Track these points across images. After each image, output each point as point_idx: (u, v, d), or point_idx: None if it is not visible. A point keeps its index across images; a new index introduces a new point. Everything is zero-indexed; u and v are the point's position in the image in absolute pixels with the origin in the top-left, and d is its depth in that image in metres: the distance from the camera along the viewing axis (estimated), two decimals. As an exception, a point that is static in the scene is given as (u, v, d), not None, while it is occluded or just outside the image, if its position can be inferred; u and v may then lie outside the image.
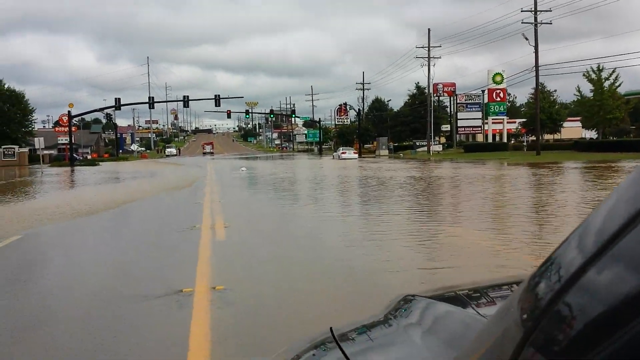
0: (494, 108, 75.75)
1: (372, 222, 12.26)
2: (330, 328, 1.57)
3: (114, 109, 68.14)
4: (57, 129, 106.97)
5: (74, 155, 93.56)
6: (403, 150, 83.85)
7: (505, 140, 75.79)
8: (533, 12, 49.41)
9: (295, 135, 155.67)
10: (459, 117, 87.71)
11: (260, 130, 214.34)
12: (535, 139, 57.87)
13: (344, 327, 1.61)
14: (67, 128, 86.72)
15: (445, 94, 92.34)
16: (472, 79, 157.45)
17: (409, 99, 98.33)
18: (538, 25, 49.35)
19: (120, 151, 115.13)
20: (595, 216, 0.78)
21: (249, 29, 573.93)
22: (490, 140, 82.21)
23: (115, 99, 65.25)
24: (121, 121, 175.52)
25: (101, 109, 71.78)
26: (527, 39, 49.61)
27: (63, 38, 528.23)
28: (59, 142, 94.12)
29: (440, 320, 1.49)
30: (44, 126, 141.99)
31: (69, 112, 67.15)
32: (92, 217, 14.12)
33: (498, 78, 73.65)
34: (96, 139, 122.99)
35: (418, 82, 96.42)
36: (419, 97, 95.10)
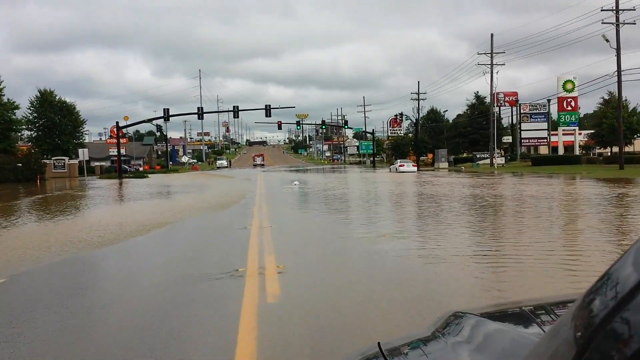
0: (564, 118, 70.43)
1: (493, 265, 8.56)
2: (378, 343, 1.56)
3: (163, 119, 66.17)
4: (108, 140, 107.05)
5: (125, 167, 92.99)
6: (462, 163, 79.26)
7: (576, 152, 70.29)
8: (614, 12, 44.61)
9: (346, 147, 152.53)
10: (522, 128, 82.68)
11: (311, 142, 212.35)
12: (617, 151, 52.46)
13: (392, 342, 1.60)
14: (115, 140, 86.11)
15: (507, 104, 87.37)
16: (525, 90, 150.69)
17: (467, 109, 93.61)
18: (620, 25, 44.50)
19: (171, 163, 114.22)
20: None
21: (301, 42, 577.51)
22: (558, 152, 76.80)
23: (164, 109, 63.39)
24: (174, 134, 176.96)
25: (150, 120, 69.97)
26: (607, 40, 44.85)
27: (121, 53, 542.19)
28: (111, 153, 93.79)
29: (489, 338, 1.45)
30: (100, 139, 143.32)
31: (116, 123, 65.54)
32: (97, 253, 10.89)
33: (569, 86, 68.44)
34: (148, 151, 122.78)
35: (477, 92, 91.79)
36: (478, 107, 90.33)
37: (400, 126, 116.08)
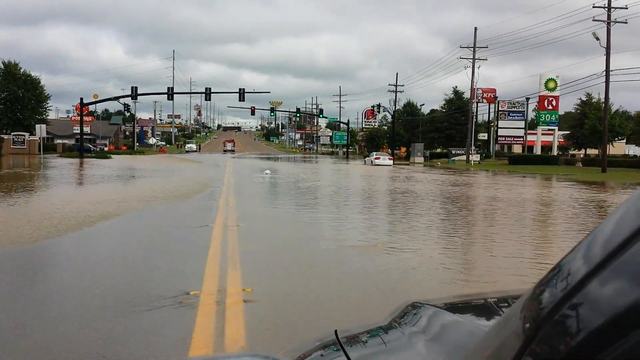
0: (544, 117, 69.12)
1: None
2: (335, 331, 1.57)
3: (131, 98, 62.96)
4: (73, 118, 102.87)
5: (89, 146, 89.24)
6: (437, 159, 77.74)
7: (554, 152, 69.24)
8: (606, 9, 43.13)
9: (319, 137, 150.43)
10: (499, 126, 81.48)
11: (284, 130, 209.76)
12: (593, 153, 51.25)
13: (349, 330, 1.61)
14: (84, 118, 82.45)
15: (485, 100, 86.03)
16: (500, 89, 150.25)
17: (444, 104, 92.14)
18: (612, 24, 43.04)
19: (138, 144, 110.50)
20: (603, 227, 0.77)
21: (278, 30, 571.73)
22: (532, 151, 75.78)
23: (132, 87, 60.18)
24: (144, 115, 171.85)
25: (117, 98, 66.57)
26: (597, 38, 43.44)
27: (95, 30, 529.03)
28: (75, 131, 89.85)
29: (445, 329, 1.47)
30: (67, 116, 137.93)
31: (80, 99, 62.05)
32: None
33: (551, 84, 67.14)
34: (115, 131, 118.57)
35: (456, 86, 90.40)
36: (456, 102, 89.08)
37: (375, 118, 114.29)
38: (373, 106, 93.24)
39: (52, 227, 10.82)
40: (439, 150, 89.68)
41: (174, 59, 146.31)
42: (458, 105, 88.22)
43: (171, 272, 7.19)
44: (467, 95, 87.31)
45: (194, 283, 6.51)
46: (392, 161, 55.81)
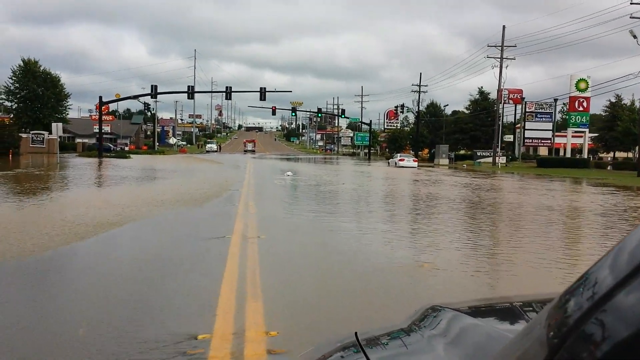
0: (575, 119, 66.84)
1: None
2: (355, 333, 1.57)
3: (151, 97, 62.02)
4: (93, 117, 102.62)
5: (110, 145, 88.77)
6: (462, 160, 75.71)
7: (585, 155, 66.92)
8: (645, 5, 40.98)
9: (340, 137, 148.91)
10: (526, 127, 79.24)
11: (304, 130, 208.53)
12: (622, 156, 49.00)
13: (369, 332, 1.62)
14: (103, 117, 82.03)
15: (511, 101, 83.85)
16: (525, 90, 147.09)
17: (469, 105, 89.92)
18: (650, 20, 40.89)
19: (159, 144, 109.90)
20: (631, 237, 0.76)
21: (299, 29, 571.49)
22: (559, 154, 73.57)
23: (152, 86, 59.24)
24: (165, 115, 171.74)
25: (137, 96, 65.72)
26: (635, 37, 41.32)
27: (117, 29, 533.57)
28: (96, 130, 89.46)
29: (465, 333, 1.46)
30: (89, 115, 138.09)
31: (99, 98, 61.28)
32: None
33: (582, 85, 64.83)
34: (136, 130, 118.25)
35: (482, 87, 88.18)
36: (481, 103, 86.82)
37: (397, 118, 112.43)
38: (396, 106, 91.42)
39: (34, 240, 9.45)
40: (462, 152, 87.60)
41: (195, 58, 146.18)
42: (484, 106, 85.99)
43: (175, 305, 5.74)
44: (492, 95, 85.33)
45: (204, 322, 5.07)
46: (416, 163, 54.05)
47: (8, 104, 74.03)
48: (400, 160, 54.44)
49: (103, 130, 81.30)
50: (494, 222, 13.98)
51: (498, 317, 1.74)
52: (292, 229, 11.63)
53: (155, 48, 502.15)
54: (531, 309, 1.73)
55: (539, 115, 79.83)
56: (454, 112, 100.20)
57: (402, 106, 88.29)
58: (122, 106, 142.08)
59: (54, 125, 44.89)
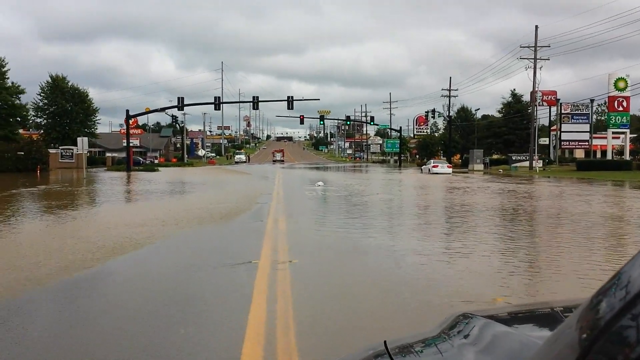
0: (615, 119, 64.14)
1: None
2: (385, 342, 1.56)
3: (177, 109, 61.35)
4: (122, 130, 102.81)
5: (140, 159, 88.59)
6: (497, 165, 73.41)
7: (627, 157, 64.17)
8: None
9: (369, 145, 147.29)
10: (563, 130, 76.62)
11: (332, 139, 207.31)
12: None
13: (398, 340, 1.59)
14: (132, 130, 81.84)
15: (545, 103, 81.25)
16: (560, 92, 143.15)
17: (502, 108, 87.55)
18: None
19: (188, 156, 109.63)
20: None
21: (324, 39, 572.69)
22: (596, 156, 70.78)
23: (178, 98, 58.38)
24: (195, 127, 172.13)
25: (163, 109, 65.18)
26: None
27: (145, 45, 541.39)
28: (125, 145, 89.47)
29: (497, 340, 1.43)
30: (120, 130, 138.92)
31: (126, 112, 60.85)
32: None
33: (621, 84, 62.16)
34: (166, 143, 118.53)
35: (514, 89, 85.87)
36: (514, 106, 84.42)
37: (427, 124, 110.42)
38: (427, 112, 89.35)
39: (24, 272, 8.11)
40: (496, 156, 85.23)
41: (222, 70, 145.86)
42: (517, 108, 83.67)
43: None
44: (526, 98, 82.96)
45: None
46: (451, 169, 52.10)
47: (38, 120, 74.22)
48: (433, 166, 52.57)
49: (132, 144, 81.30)
50: (566, 236, 12.27)
51: (531, 323, 1.70)
52: (327, 249, 10.10)
53: (183, 62, 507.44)
54: (565, 313, 1.65)
55: (575, 117, 77.21)
56: (484, 117, 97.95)
57: (434, 111, 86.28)
58: (152, 120, 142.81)
59: (79, 140, 44.27)
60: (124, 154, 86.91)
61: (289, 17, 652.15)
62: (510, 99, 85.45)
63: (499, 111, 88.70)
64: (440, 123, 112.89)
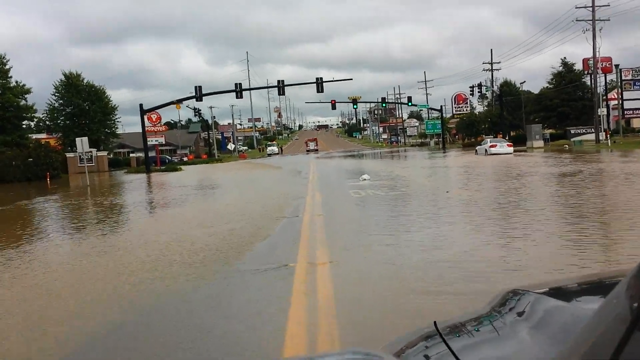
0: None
1: None
2: (435, 322, 1.53)
3: (196, 100, 55.73)
4: (146, 128, 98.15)
5: (167, 157, 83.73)
6: (555, 141, 65.94)
7: None
8: None
9: (405, 128, 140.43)
10: (624, 98, 68.81)
11: (366, 125, 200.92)
12: None
13: (449, 320, 1.57)
14: (156, 127, 76.85)
15: (600, 71, 73.19)
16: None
17: (552, 79, 79.50)
18: None
19: (219, 151, 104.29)
20: None
21: (351, 25, 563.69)
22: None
23: (196, 87, 52.87)
24: (225, 121, 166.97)
25: (180, 100, 59.54)
26: None
27: (175, 43, 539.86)
28: (152, 143, 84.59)
29: (549, 315, 1.41)
30: (146, 128, 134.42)
31: (140, 105, 55.39)
32: None
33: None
34: (195, 139, 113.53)
35: (565, 58, 77.74)
36: (566, 76, 76.35)
37: (466, 102, 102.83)
38: (472, 86, 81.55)
39: None
40: (549, 130, 77.56)
41: (247, 60, 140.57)
42: (569, 78, 75.72)
43: None
44: (577, 66, 75.21)
45: None
46: (511, 148, 45.10)
47: (52, 123, 69.43)
48: (491, 146, 45.57)
49: (157, 142, 76.15)
50: None
51: (584, 296, 1.66)
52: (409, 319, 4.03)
53: (212, 58, 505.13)
54: (612, 285, 1.44)
55: (637, 84, 69.48)
56: (527, 92, 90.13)
57: (480, 85, 78.56)
58: (183, 116, 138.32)
59: (78, 140, 38.86)
60: (152, 154, 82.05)
61: (315, 5, 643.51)
62: (561, 68, 77.46)
63: (548, 82, 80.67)
64: (475, 102, 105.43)
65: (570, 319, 1.29)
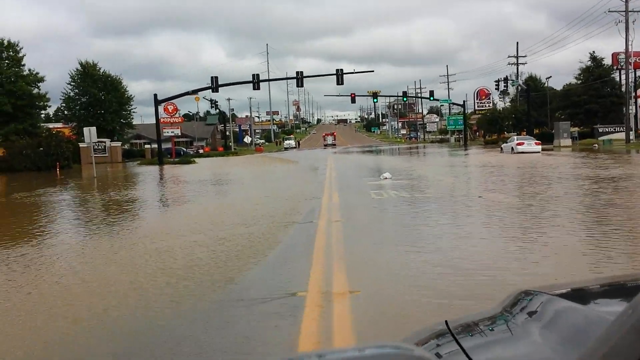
0: None
1: None
2: (446, 321, 1.54)
3: (211, 90, 54.15)
4: (162, 120, 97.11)
5: (183, 149, 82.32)
6: (582, 139, 63.39)
7: None
8: None
9: (425, 124, 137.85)
10: (657, 94, 66.03)
11: (385, 120, 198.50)
12: None
13: (460, 319, 1.57)
14: (172, 119, 75.60)
15: (630, 66, 70.32)
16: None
17: (579, 74, 76.68)
18: None
19: (236, 144, 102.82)
20: None
21: (373, 18, 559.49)
22: None
23: (212, 77, 51.27)
24: (244, 114, 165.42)
25: (195, 91, 58.04)
26: None
27: (197, 36, 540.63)
28: (166, 135, 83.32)
29: (560, 316, 1.41)
30: (162, 119, 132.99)
31: (154, 96, 53.94)
32: None
33: None
34: (212, 131, 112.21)
35: (593, 52, 74.88)
36: (595, 71, 73.51)
37: (489, 98, 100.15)
38: (498, 80, 79.01)
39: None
40: (575, 128, 74.89)
41: (267, 52, 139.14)
42: (598, 74, 72.89)
43: None
44: (606, 61, 72.44)
45: None
46: (539, 147, 42.90)
47: (68, 112, 68.41)
48: (518, 144, 43.40)
49: (173, 134, 74.88)
50: None
51: (597, 298, 1.65)
52: None
53: (233, 51, 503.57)
54: (628, 289, 1.61)
55: (670, 79, 66.78)
56: (551, 89, 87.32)
57: (505, 79, 75.96)
58: (202, 108, 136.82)
59: (85, 130, 37.60)
60: (167, 145, 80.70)
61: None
62: (589, 62, 74.62)
63: (576, 77, 77.86)
64: (497, 98, 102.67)
65: (583, 321, 1.28)
